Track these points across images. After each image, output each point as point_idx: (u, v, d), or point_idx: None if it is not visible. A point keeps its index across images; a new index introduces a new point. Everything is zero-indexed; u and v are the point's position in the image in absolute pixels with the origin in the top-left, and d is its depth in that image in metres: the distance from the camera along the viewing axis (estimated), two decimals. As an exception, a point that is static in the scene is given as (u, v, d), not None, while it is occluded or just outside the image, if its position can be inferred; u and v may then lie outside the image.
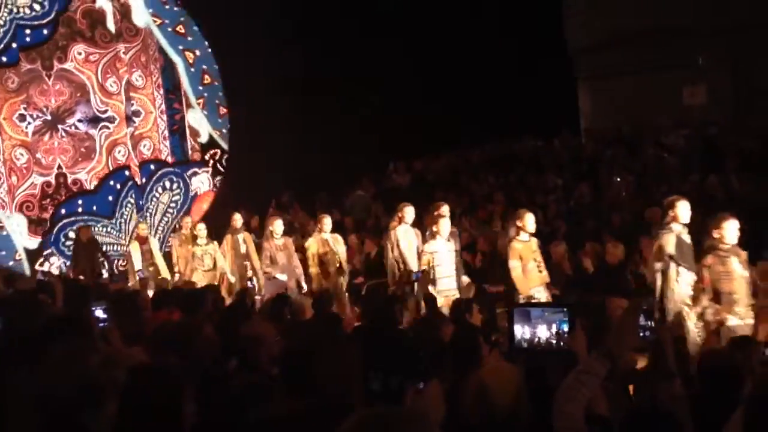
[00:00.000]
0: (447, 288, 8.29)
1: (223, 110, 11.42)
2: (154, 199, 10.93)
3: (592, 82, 16.62)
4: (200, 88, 11.58)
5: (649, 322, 3.49)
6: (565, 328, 3.35)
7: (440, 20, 14.98)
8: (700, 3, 14.63)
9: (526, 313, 3.54)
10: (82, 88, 12.82)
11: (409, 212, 9.16)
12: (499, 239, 10.61)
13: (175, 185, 10.90)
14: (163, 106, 12.25)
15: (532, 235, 8.22)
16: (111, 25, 12.14)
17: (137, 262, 10.44)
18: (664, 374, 3.04)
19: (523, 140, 14.73)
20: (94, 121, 12.64)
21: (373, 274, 10.92)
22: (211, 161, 10.98)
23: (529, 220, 8.18)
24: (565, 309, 3.45)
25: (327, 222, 9.77)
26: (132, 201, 11.21)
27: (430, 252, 8.31)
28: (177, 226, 10.35)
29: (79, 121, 12.95)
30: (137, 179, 11.25)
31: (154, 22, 11.89)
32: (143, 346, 3.95)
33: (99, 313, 5.27)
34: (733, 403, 3.33)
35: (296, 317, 6.31)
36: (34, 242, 11.71)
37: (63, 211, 11.26)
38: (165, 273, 10.52)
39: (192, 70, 11.62)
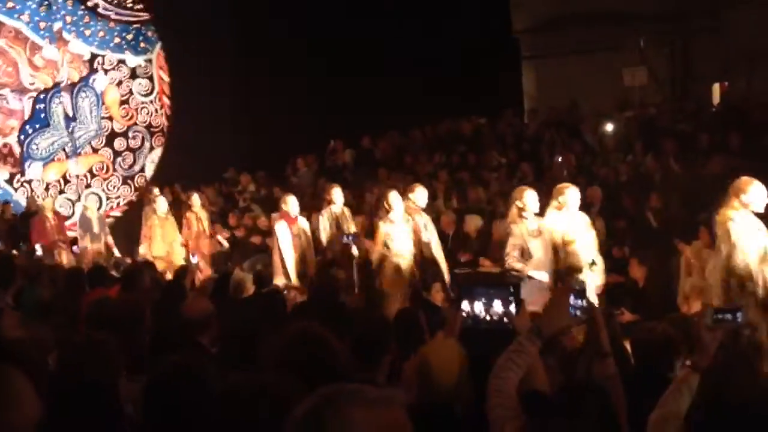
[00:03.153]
0: None
1: (87, 32, 13.83)
2: (81, 109, 13.58)
3: (536, 62, 16.76)
4: (68, 26, 13.74)
5: (580, 301, 3.46)
6: (511, 307, 3.35)
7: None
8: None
9: (471, 291, 3.53)
10: (13, 62, 13.53)
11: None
12: (443, 217, 10.69)
13: (88, 92, 13.71)
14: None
15: None
16: None
17: (284, 243, 8.69)
18: (597, 352, 3.10)
19: (467, 119, 14.77)
20: (22, 92, 13.63)
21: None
22: (99, 66, 13.74)
23: None
24: (510, 288, 3.45)
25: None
26: (57, 105, 13.60)
27: None
28: (319, 206, 9.35)
29: (12, 91, 13.55)
30: (69, 112, 13.66)
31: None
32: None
33: None
34: (666, 379, 3.40)
35: (238, 294, 6.23)
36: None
37: (22, 137, 13.47)
38: (311, 258, 8.89)
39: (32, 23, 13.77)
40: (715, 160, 10.32)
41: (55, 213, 11.99)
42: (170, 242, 10.65)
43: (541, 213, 7.12)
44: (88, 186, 13.65)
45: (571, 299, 2.91)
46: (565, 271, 6.78)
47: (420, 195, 8.17)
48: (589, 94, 14.28)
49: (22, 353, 2.93)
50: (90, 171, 13.57)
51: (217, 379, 2.35)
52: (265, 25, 14.43)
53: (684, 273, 8.14)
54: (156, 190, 11.48)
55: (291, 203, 8.92)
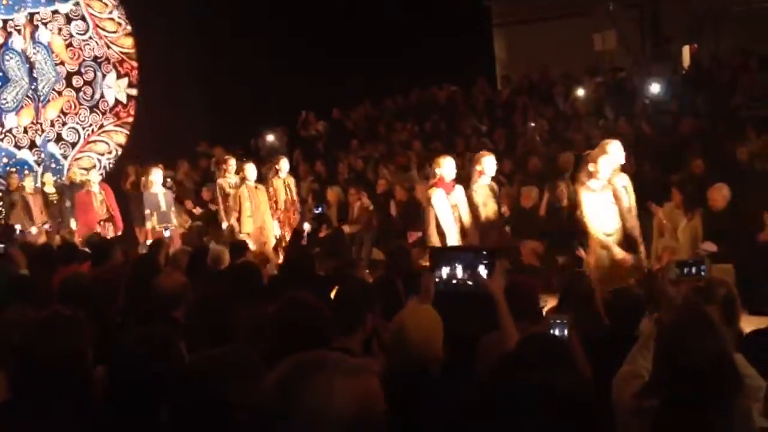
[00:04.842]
0: None
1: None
2: (38, 63, 15.01)
3: (507, 29, 16.71)
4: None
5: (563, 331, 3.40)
6: (484, 270, 3.36)
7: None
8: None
9: (446, 255, 3.54)
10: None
11: None
12: (418, 186, 10.69)
13: (38, 47, 15.13)
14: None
15: None
16: None
17: (444, 215, 7.01)
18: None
19: (439, 87, 14.72)
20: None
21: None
22: (38, 24, 15.15)
23: None
24: (484, 252, 3.46)
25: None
26: (9, 60, 14.82)
27: None
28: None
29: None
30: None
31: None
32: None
33: None
34: (635, 338, 3.46)
35: (215, 267, 6.20)
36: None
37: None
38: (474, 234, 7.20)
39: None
40: (686, 122, 10.41)
41: (104, 186, 10.98)
42: (262, 216, 9.22)
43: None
44: (64, 124, 15.03)
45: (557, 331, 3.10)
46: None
47: (616, 151, 6.61)
48: (560, 59, 14.28)
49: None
50: (62, 111, 15.12)
51: (183, 353, 2.34)
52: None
53: (656, 234, 8.23)
54: (233, 162, 10.14)
55: (447, 166, 7.16)
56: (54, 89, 15.07)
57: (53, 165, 14.72)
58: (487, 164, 7.20)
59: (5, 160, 14.25)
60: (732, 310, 3.68)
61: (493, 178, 7.38)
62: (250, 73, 14.16)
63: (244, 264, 5.30)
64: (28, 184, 11.92)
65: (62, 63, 15.11)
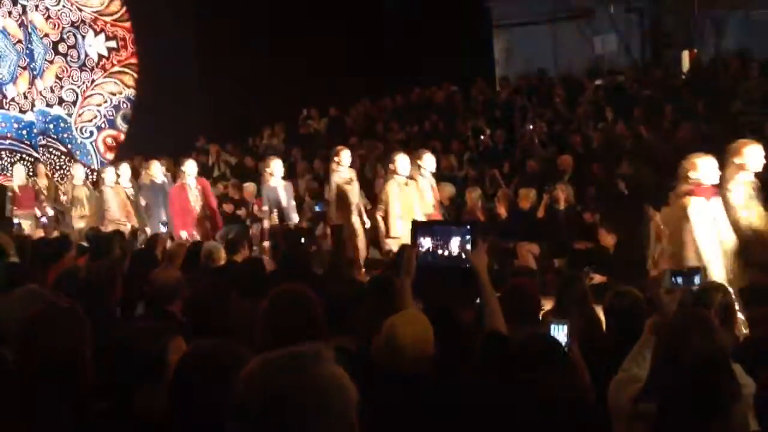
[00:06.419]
0: None
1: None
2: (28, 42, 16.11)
3: (508, 30, 16.72)
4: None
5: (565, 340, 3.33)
6: (468, 245, 3.34)
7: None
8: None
9: (429, 229, 3.52)
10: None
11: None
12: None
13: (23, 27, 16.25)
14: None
15: None
16: None
17: (701, 230, 5.68)
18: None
19: (438, 87, 14.72)
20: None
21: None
22: (18, 3, 16.01)
23: None
24: (468, 226, 3.45)
25: None
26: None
27: None
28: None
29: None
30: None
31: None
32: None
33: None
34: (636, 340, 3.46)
35: (209, 264, 6.17)
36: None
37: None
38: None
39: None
40: (684, 126, 10.41)
41: (201, 180, 9.78)
42: (410, 216, 7.73)
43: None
44: (61, 88, 16.10)
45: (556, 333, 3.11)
46: None
47: None
48: (560, 61, 14.30)
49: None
50: (57, 77, 16.30)
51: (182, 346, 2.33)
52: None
53: (654, 239, 8.22)
54: (346, 154, 9.07)
55: (706, 167, 5.64)
56: (46, 60, 16.37)
57: (62, 125, 15.90)
58: (750, 156, 5.63)
59: (16, 125, 15.71)
60: (728, 315, 3.69)
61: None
62: (251, 70, 14.15)
63: (246, 261, 5.30)
64: (109, 177, 10.34)
65: (46, 35, 16.37)
